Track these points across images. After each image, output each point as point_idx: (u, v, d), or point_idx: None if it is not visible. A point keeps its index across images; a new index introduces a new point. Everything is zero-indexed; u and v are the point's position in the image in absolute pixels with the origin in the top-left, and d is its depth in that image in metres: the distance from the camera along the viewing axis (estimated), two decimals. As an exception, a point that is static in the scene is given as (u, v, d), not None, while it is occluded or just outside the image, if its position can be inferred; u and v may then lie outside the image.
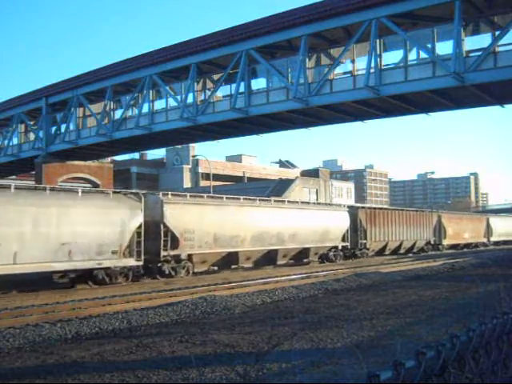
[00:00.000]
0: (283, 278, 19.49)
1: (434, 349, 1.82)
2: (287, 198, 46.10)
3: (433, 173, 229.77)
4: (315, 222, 27.61)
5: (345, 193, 71.46)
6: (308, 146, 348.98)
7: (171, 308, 11.72)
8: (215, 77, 30.80)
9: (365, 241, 31.85)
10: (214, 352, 7.79)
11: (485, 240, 51.05)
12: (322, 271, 22.39)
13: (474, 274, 19.60)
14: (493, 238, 52.42)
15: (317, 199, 55.33)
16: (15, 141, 42.87)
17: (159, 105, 33.71)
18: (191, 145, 62.25)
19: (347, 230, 30.01)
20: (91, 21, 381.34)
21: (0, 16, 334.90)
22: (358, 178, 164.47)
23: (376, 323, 9.84)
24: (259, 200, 25.78)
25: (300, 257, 27.08)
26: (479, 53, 21.77)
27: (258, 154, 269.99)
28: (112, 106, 35.07)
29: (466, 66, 21.49)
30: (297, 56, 25.80)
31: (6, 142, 42.87)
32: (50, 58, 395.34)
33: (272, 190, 52.44)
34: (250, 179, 68.90)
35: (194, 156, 63.00)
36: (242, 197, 25.41)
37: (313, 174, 62.07)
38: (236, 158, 77.18)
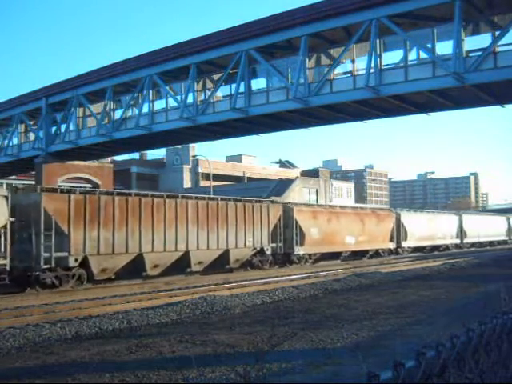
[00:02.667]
0: (283, 278, 19.49)
1: (434, 349, 1.82)
2: (287, 198, 46.14)
3: (433, 173, 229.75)
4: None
5: (345, 193, 71.43)
6: (308, 146, 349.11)
7: (171, 308, 11.72)
8: (215, 77, 30.80)
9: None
10: (214, 352, 7.79)
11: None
12: (322, 271, 22.41)
13: (474, 274, 19.64)
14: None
15: (317, 199, 55.33)
16: (15, 141, 42.88)
17: (159, 105, 33.78)
18: (191, 145, 62.21)
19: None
20: (91, 21, 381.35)
21: (0, 16, 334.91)
22: (358, 177, 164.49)
23: (376, 323, 9.84)
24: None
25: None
26: (479, 53, 21.77)
27: (258, 154, 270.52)
28: (112, 106, 35.07)
29: (466, 66, 21.49)
30: (297, 56, 25.80)
31: (5, 142, 42.88)
32: (50, 58, 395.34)
33: (272, 190, 52.41)
34: (250, 179, 68.88)
35: (193, 156, 62.95)
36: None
37: (313, 173, 62.04)
38: (236, 158, 77.15)
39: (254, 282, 17.97)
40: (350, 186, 76.22)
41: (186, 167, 67.78)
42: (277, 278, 19.57)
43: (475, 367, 2.08)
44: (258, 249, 24.27)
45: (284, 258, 25.99)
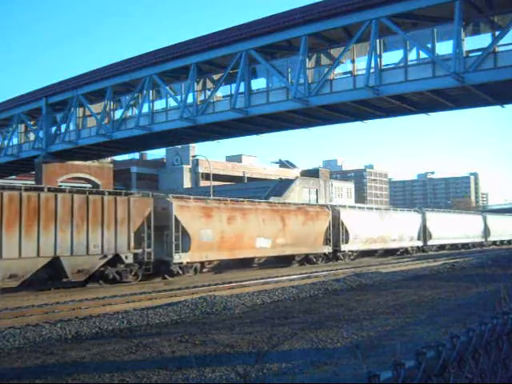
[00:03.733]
0: (283, 278, 19.50)
1: (434, 349, 1.82)
2: (287, 198, 46.15)
3: (433, 173, 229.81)
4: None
5: (345, 193, 71.45)
6: (308, 145, 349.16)
7: (171, 308, 11.72)
8: (215, 77, 30.80)
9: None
10: (214, 352, 7.79)
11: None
12: (322, 271, 22.41)
13: (474, 274, 19.61)
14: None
15: (317, 199, 55.34)
16: (15, 141, 42.90)
17: (159, 105, 33.78)
18: (191, 145, 62.25)
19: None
20: (91, 21, 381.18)
21: (0, 16, 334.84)
22: (357, 177, 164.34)
23: (376, 323, 9.84)
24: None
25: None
26: (479, 53, 21.77)
27: (258, 154, 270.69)
28: (112, 106, 35.07)
29: (465, 66, 21.50)
30: (297, 56, 25.81)
31: (5, 141, 42.89)
32: (50, 58, 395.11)
33: (272, 190, 52.42)
34: (250, 179, 68.91)
35: (193, 156, 63.02)
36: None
37: (313, 174, 62.07)
38: (236, 158, 77.18)
39: (254, 281, 17.98)
40: (349, 186, 76.22)
41: (186, 167, 67.80)
42: (277, 277, 19.58)
43: (475, 367, 2.08)
44: (111, 256, 18.21)
45: (161, 268, 20.20)
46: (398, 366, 1.60)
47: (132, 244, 18.78)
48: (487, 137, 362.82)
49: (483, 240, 48.82)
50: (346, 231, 29.92)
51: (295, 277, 19.66)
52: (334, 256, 29.27)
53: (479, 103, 26.86)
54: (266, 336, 8.72)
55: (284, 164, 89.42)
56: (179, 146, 60.74)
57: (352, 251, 30.84)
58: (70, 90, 36.33)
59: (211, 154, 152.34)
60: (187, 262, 20.79)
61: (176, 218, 20.39)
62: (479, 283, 15.56)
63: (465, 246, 45.47)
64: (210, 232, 21.76)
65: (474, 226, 46.93)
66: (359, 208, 36.09)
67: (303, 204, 29.75)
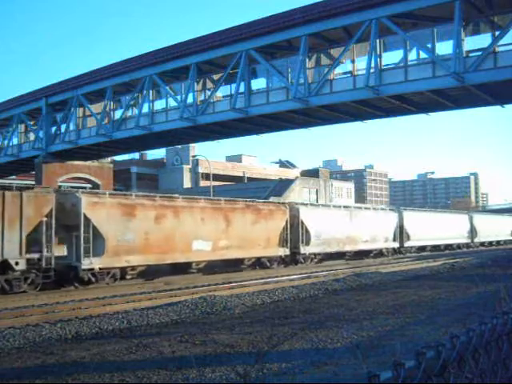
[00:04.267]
0: (283, 278, 19.50)
1: (434, 349, 1.82)
2: (287, 198, 46.13)
3: (433, 173, 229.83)
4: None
5: (345, 193, 71.44)
6: (308, 145, 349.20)
7: (171, 308, 11.72)
8: (215, 77, 30.80)
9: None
10: (214, 352, 7.79)
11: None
12: (322, 271, 22.41)
13: (473, 274, 19.60)
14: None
15: (317, 199, 55.33)
16: (15, 141, 42.89)
17: (159, 105, 33.78)
18: (191, 145, 62.23)
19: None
20: (91, 21, 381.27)
21: (0, 16, 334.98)
22: (357, 178, 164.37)
23: (376, 323, 9.84)
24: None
25: None
26: (479, 53, 21.77)
27: (258, 154, 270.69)
28: (112, 106, 35.07)
29: (465, 66, 21.50)
30: (297, 56, 25.80)
31: (5, 142, 42.88)
32: (50, 58, 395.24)
33: (272, 190, 52.43)
34: (250, 179, 68.90)
35: (193, 156, 63.01)
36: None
37: (313, 174, 62.06)
38: (236, 158, 77.18)
39: (254, 281, 17.99)
40: (349, 186, 76.22)
41: (186, 167, 67.81)
42: (277, 277, 19.58)
43: (475, 367, 2.08)
44: None
45: (69, 275, 17.49)
46: (397, 365, 1.60)
47: (24, 248, 15.78)
48: (487, 137, 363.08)
49: (469, 241, 45.98)
50: (307, 231, 26.88)
51: (295, 277, 19.66)
52: (293, 259, 26.41)
53: (479, 103, 26.86)
54: (265, 336, 8.71)
55: (284, 164, 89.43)
56: (179, 146, 60.74)
57: (314, 254, 27.88)
58: (70, 90, 36.33)
59: (211, 154, 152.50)
60: (100, 268, 17.87)
61: (86, 217, 17.52)
62: (479, 283, 15.56)
63: (449, 247, 42.58)
64: (131, 233, 18.91)
65: (458, 226, 43.98)
66: (324, 206, 32.78)
67: (254, 201, 25.90)
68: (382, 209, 39.59)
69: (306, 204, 30.83)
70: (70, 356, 7.78)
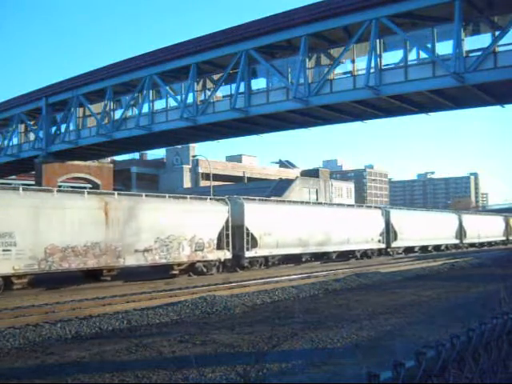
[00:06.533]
0: (283, 278, 19.50)
1: (434, 349, 1.82)
2: (286, 198, 46.12)
3: (433, 173, 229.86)
4: None
5: (345, 193, 71.44)
6: (308, 145, 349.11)
7: (171, 308, 11.72)
8: (215, 77, 30.79)
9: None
10: (214, 352, 7.79)
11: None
12: (322, 271, 22.40)
13: (473, 274, 19.63)
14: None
15: (317, 199, 55.33)
16: (15, 141, 42.86)
17: (159, 105, 33.76)
18: (191, 145, 62.19)
19: None
20: (91, 21, 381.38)
21: (0, 16, 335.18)
22: (357, 178, 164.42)
23: (376, 323, 9.84)
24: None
25: None
26: (479, 53, 21.76)
27: (258, 154, 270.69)
28: (112, 106, 35.06)
29: (466, 66, 21.49)
30: (297, 56, 25.80)
31: (6, 142, 42.87)
32: (50, 58, 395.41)
33: (272, 190, 52.44)
34: (250, 179, 68.88)
35: (193, 156, 62.93)
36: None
37: (313, 173, 62.02)
38: (236, 158, 77.18)
39: (254, 281, 17.99)
40: (349, 186, 76.22)
41: (186, 167, 67.80)
42: (276, 277, 19.58)
43: (475, 367, 2.08)
44: None
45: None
46: (397, 365, 1.61)
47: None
48: (487, 137, 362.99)
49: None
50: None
51: (295, 277, 19.66)
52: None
53: (479, 103, 26.85)
54: (265, 336, 8.71)
55: (284, 164, 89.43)
56: (179, 146, 60.73)
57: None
58: (69, 89, 36.31)
59: (211, 154, 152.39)
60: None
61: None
62: (479, 283, 15.56)
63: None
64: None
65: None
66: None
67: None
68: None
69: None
70: (70, 356, 7.78)
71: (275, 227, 25.04)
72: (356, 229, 30.35)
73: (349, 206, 36.78)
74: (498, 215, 57.18)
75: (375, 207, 37.66)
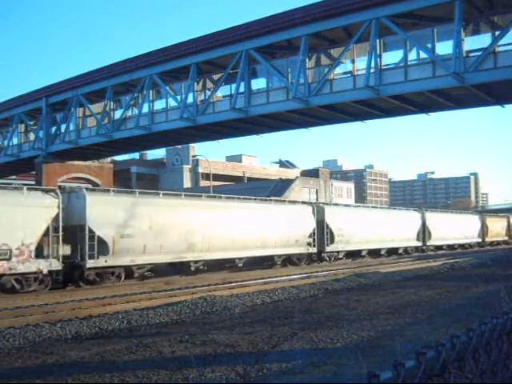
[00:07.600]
0: (283, 278, 19.50)
1: (434, 349, 1.82)
2: (287, 198, 46.11)
3: (433, 173, 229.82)
4: None
5: (345, 193, 71.45)
6: (308, 146, 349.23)
7: (171, 308, 11.72)
8: (215, 77, 30.77)
9: None
10: (214, 352, 7.79)
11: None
12: (322, 271, 22.40)
13: (473, 274, 19.62)
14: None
15: (317, 199, 55.32)
16: (15, 141, 42.82)
17: (159, 105, 33.71)
18: (191, 145, 62.20)
19: None
20: (91, 21, 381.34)
21: (0, 16, 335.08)
22: (358, 177, 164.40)
23: (376, 323, 9.84)
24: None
25: None
26: (479, 53, 21.75)
27: (258, 154, 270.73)
28: (112, 106, 35.04)
29: (466, 66, 21.48)
30: (297, 56, 25.78)
31: (5, 142, 42.85)
32: (50, 58, 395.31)
33: (272, 190, 52.43)
34: (250, 179, 68.88)
35: (194, 156, 62.94)
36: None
37: (313, 174, 62.02)
38: (236, 158, 77.17)
39: (254, 281, 17.98)
40: (349, 186, 76.21)
41: (186, 167, 67.80)
42: (276, 277, 19.58)
43: (475, 367, 2.08)
44: None
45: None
46: (397, 365, 1.60)
47: None
48: (487, 137, 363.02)
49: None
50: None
51: (295, 277, 19.67)
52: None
53: (479, 103, 26.83)
54: (266, 336, 8.71)
55: (284, 164, 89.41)
56: (179, 146, 60.72)
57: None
58: (69, 89, 36.29)
59: (211, 154, 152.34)
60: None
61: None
62: (479, 283, 15.55)
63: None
64: None
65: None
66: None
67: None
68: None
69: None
70: (70, 356, 7.77)
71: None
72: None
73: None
74: (474, 214, 52.29)
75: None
